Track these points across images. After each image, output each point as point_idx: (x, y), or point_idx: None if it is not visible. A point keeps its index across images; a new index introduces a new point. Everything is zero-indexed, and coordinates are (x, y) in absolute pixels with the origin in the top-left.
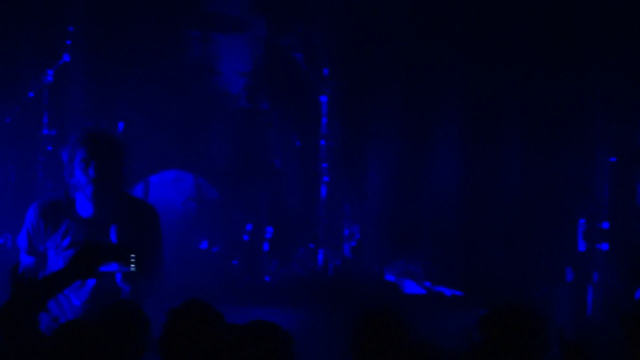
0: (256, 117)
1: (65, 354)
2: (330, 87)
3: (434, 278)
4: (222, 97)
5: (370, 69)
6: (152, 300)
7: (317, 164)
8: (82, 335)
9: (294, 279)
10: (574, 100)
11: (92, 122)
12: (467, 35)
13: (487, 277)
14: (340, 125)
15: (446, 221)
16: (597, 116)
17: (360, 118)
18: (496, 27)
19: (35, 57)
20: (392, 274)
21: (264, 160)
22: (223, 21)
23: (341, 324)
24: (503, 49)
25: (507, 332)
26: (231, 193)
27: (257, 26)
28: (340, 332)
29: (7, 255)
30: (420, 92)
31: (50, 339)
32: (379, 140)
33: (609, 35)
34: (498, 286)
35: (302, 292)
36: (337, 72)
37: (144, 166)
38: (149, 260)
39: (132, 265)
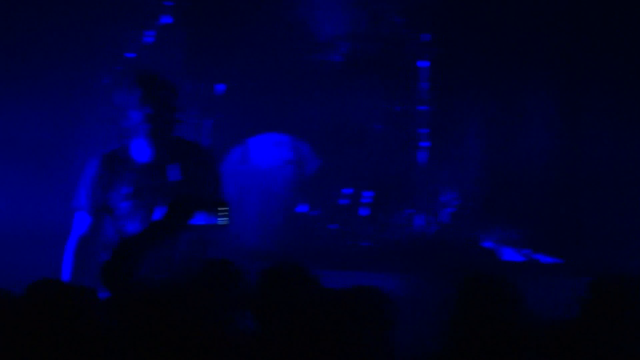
0: (356, 80)
1: (163, 312)
2: (429, 52)
3: (532, 245)
4: (322, 61)
5: (470, 34)
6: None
7: (416, 129)
8: (178, 293)
9: (391, 244)
10: None
11: (191, 85)
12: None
13: (586, 245)
14: (439, 90)
15: (545, 188)
16: None
17: (460, 83)
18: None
19: (135, 18)
20: (490, 240)
21: (363, 125)
22: None
23: (438, 289)
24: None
25: (616, 301)
26: (330, 157)
27: None
28: (437, 298)
29: None
30: (518, 58)
31: (151, 297)
32: (478, 107)
33: None
34: (596, 254)
35: (400, 257)
36: (436, 38)
37: (243, 129)
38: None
39: (223, 218)
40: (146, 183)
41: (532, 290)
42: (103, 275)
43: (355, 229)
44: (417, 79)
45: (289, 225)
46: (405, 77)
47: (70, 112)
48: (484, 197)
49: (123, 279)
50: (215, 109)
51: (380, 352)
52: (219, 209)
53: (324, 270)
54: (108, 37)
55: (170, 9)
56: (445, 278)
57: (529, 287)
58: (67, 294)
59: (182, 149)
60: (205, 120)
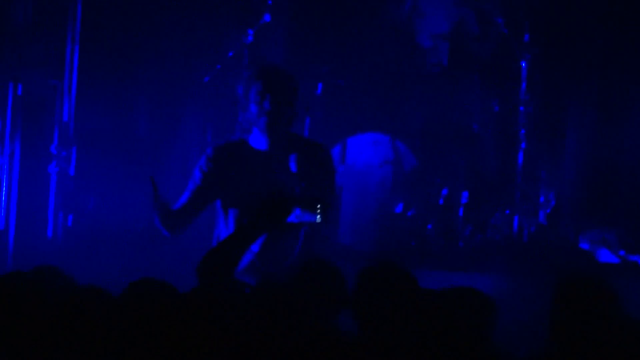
0: (455, 80)
1: (264, 314)
2: (530, 52)
3: (629, 247)
4: (421, 60)
5: (570, 35)
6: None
7: (515, 130)
8: (279, 295)
9: (488, 244)
10: None
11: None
12: None
13: None
14: (539, 91)
15: None
16: None
17: (559, 84)
18: None
19: (236, 16)
20: (587, 241)
21: (462, 125)
22: None
23: (535, 290)
24: None
25: None
26: (428, 157)
27: None
28: (534, 299)
29: None
30: (620, 59)
31: (249, 296)
32: (577, 107)
33: None
34: None
35: (497, 258)
36: (537, 38)
37: (342, 128)
38: (325, 200)
39: (319, 215)
40: (263, 174)
41: (629, 292)
42: (199, 272)
43: (453, 230)
44: (518, 79)
45: (386, 225)
46: (505, 77)
47: (171, 111)
48: (582, 198)
49: (218, 277)
50: (315, 108)
51: (480, 353)
52: (316, 205)
53: (421, 271)
54: (209, 35)
55: (271, 8)
56: (543, 279)
57: (625, 289)
58: (168, 293)
59: (299, 144)
60: (306, 119)
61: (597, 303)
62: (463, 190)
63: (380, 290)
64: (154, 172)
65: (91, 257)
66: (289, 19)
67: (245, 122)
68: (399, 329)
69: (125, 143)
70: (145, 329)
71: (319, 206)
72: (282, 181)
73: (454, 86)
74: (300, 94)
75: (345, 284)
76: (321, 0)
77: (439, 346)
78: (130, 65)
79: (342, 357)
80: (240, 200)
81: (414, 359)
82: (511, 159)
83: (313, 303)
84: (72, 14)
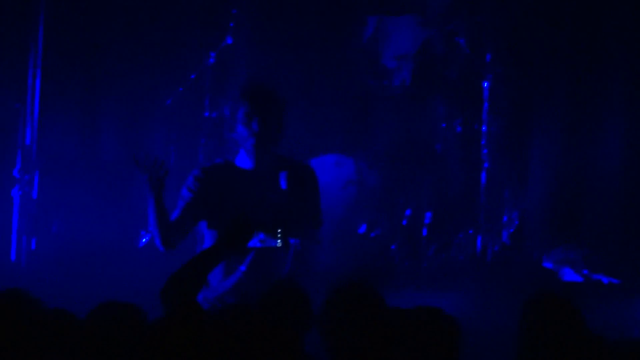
0: (418, 101)
1: (229, 335)
2: (492, 72)
3: (592, 266)
4: (386, 81)
5: (533, 54)
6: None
7: (478, 150)
8: (244, 317)
9: (452, 264)
10: None
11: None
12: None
13: None
14: (501, 111)
15: (605, 208)
16: None
17: (522, 104)
18: None
19: (198, 39)
20: (551, 261)
21: (425, 145)
22: (393, 4)
23: (500, 310)
24: None
25: None
26: (391, 177)
27: (422, 9)
28: (499, 318)
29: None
30: (584, 80)
31: (213, 319)
32: (540, 127)
33: None
34: None
35: (461, 277)
36: (500, 58)
37: (304, 150)
38: (310, 219)
39: (279, 240)
40: (250, 193)
41: (593, 310)
42: (162, 296)
43: (417, 250)
44: (481, 99)
45: (350, 245)
46: (468, 97)
47: (134, 134)
48: (545, 218)
49: (181, 301)
50: None
51: None
52: (276, 230)
53: (387, 290)
54: (172, 58)
55: (233, 30)
56: (507, 298)
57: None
58: (133, 316)
59: (285, 163)
60: None
61: (562, 321)
62: (427, 211)
63: (348, 310)
64: (118, 194)
65: (55, 279)
66: (251, 41)
67: (232, 143)
68: (366, 349)
69: (89, 166)
70: (112, 352)
71: (279, 231)
72: (269, 200)
73: (417, 107)
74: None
75: (310, 305)
76: (284, 21)
77: None
78: (93, 88)
79: None
80: (226, 220)
81: None
82: (474, 179)
83: (279, 324)
84: (33, 37)
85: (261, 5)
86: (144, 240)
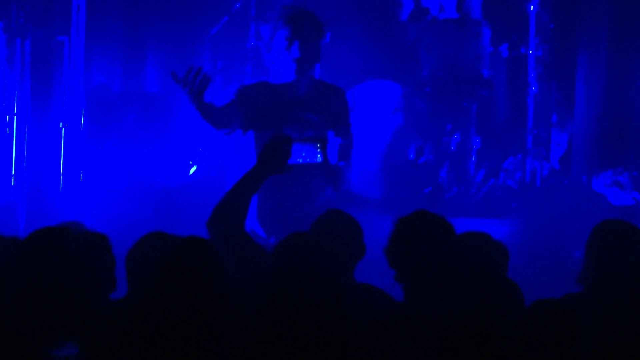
0: (465, 26)
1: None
2: None
3: None
4: (429, 7)
5: None
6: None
7: (525, 74)
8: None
9: (502, 189)
10: None
11: None
12: None
13: None
14: (549, 35)
15: None
16: None
17: (569, 28)
18: None
19: None
20: (600, 184)
21: (472, 70)
22: None
23: (548, 235)
24: None
25: None
26: (439, 103)
27: None
28: (548, 244)
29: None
30: (631, 3)
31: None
32: (587, 50)
33: None
34: None
35: (510, 202)
36: None
37: (351, 76)
38: (344, 141)
39: (319, 155)
40: (290, 111)
41: None
42: (209, 226)
43: (466, 175)
44: (527, 24)
45: (399, 172)
46: (514, 22)
47: (179, 65)
48: (594, 141)
49: (230, 229)
50: (324, 55)
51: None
52: (316, 145)
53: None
54: None
55: None
56: (554, 223)
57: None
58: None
59: (321, 86)
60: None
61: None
62: (475, 136)
63: (420, 237)
64: (164, 127)
65: (102, 212)
66: None
67: (271, 65)
68: (436, 275)
69: (135, 98)
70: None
71: (318, 145)
72: (307, 118)
73: (464, 32)
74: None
75: (362, 233)
76: None
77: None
78: (137, 21)
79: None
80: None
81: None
82: (522, 104)
83: (333, 253)
84: None
85: None
86: (193, 169)
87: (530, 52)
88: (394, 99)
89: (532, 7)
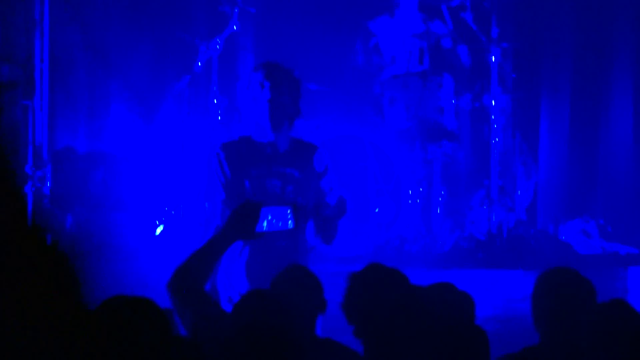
0: (427, 78)
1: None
2: (500, 47)
3: (608, 237)
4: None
5: (540, 29)
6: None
7: (489, 124)
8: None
9: (468, 240)
10: None
11: None
12: None
13: None
14: (511, 85)
15: (620, 178)
16: None
17: (531, 78)
18: None
19: (204, 27)
20: (567, 233)
21: (436, 122)
22: None
23: (517, 284)
24: None
25: None
26: (403, 155)
27: None
28: (517, 292)
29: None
30: (592, 51)
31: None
32: (551, 100)
33: None
34: None
35: (477, 254)
36: (506, 33)
37: (313, 130)
38: (336, 198)
39: (290, 222)
40: (271, 167)
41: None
42: (169, 288)
43: (432, 227)
44: (488, 75)
45: (367, 230)
46: (477, 73)
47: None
48: (560, 191)
49: (190, 291)
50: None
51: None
52: (286, 212)
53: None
54: (178, 46)
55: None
56: (521, 273)
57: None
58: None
59: (301, 144)
60: None
61: (575, 294)
62: (440, 187)
63: (373, 291)
64: (130, 187)
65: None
66: (256, 28)
67: (248, 116)
68: (395, 327)
69: (100, 159)
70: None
71: (289, 212)
72: (284, 177)
73: (426, 86)
74: (301, 92)
75: (322, 288)
76: (287, 9)
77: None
78: (100, 83)
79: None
80: (254, 189)
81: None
82: (486, 154)
83: (293, 309)
84: (39, 34)
85: None
86: (160, 229)
87: (493, 102)
88: (357, 152)
89: (493, 57)
